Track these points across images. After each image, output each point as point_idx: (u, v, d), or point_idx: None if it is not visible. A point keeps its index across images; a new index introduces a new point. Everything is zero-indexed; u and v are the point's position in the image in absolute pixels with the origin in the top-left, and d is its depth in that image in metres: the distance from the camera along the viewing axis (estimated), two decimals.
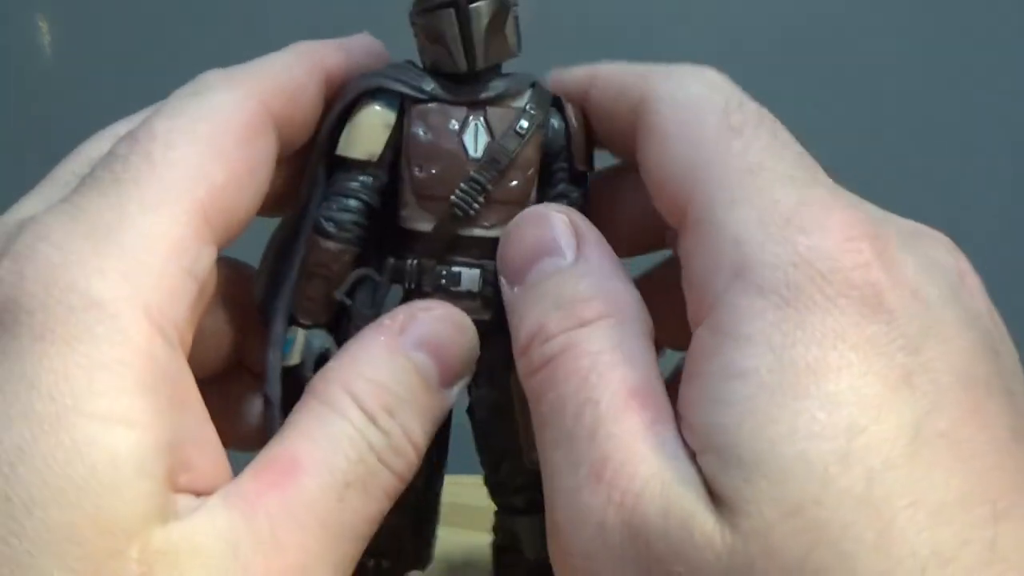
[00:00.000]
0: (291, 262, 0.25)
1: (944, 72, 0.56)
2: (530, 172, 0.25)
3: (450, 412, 0.25)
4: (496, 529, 0.28)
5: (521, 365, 0.23)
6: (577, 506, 0.20)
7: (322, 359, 0.25)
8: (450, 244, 0.25)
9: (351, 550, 0.21)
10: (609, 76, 0.25)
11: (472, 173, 0.24)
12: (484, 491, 0.28)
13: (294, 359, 0.25)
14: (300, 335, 0.25)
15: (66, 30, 0.60)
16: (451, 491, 0.28)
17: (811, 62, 0.55)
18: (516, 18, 0.25)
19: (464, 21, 0.24)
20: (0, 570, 0.17)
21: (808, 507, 0.17)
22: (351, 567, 0.22)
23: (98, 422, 0.18)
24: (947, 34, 0.56)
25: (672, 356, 0.25)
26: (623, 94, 0.24)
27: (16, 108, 0.60)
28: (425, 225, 0.25)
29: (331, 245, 0.25)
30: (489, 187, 0.24)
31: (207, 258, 0.21)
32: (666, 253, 0.28)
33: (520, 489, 0.26)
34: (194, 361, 0.21)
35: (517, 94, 0.25)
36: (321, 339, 0.25)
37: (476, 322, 0.25)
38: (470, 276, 0.25)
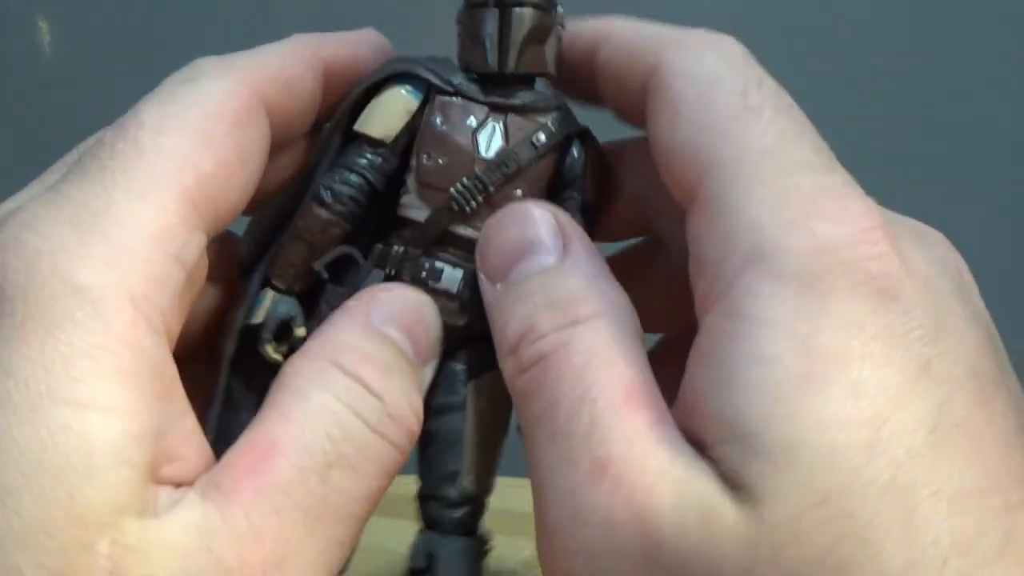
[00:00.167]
0: (284, 226, 0.25)
1: (944, 72, 0.56)
2: (539, 187, 0.25)
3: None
4: (414, 549, 0.25)
5: (509, 364, 0.22)
6: (577, 505, 0.19)
7: (284, 326, 0.24)
8: (439, 238, 0.25)
9: (340, 533, 0.20)
10: (621, 37, 0.24)
11: (478, 171, 0.24)
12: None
13: (257, 318, 0.24)
14: (269, 296, 0.25)
15: (66, 30, 0.60)
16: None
17: (810, 62, 0.55)
18: (559, 40, 0.25)
19: (505, 23, 0.24)
20: None
21: (835, 497, 0.17)
22: (345, 550, 0.21)
23: (74, 409, 0.18)
24: (947, 34, 0.56)
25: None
26: (635, 58, 0.23)
27: (16, 108, 0.60)
28: (420, 214, 0.25)
29: (323, 213, 0.25)
30: (491, 189, 0.24)
31: (195, 246, 0.21)
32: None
33: (454, 505, 0.25)
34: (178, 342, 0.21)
35: (543, 110, 0.25)
36: (288, 306, 0.25)
37: (447, 327, 0.24)
38: (452, 275, 0.25)
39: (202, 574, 0.18)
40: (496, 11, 0.24)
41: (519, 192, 0.24)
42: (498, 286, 0.23)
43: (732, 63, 0.22)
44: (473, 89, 0.25)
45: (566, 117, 0.25)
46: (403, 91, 0.25)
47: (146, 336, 0.19)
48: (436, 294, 0.24)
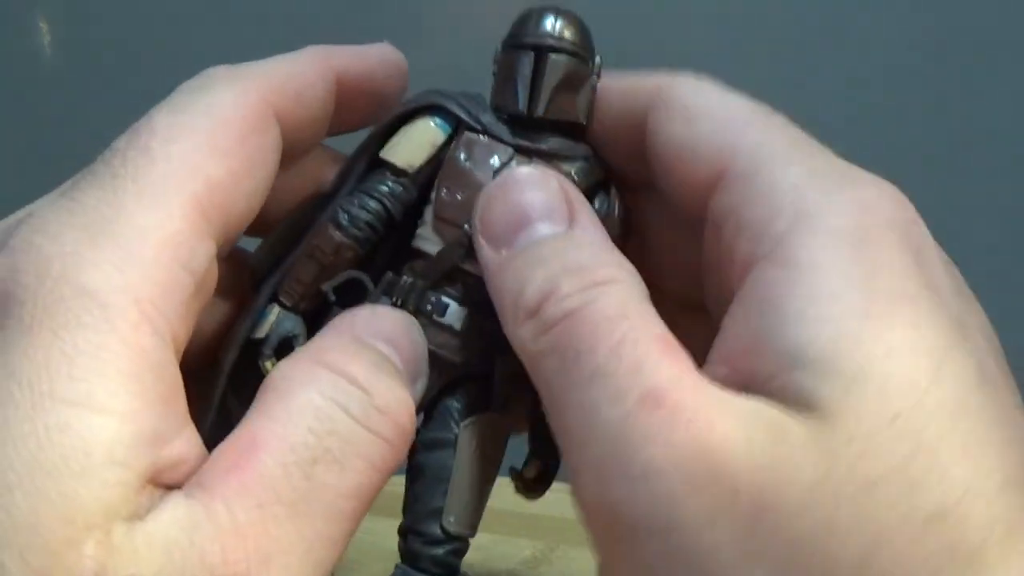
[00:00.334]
0: (299, 242, 0.25)
1: (943, 72, 0.56)
2: None
3: None
4: None
5: (527, 329, 0.21)
6: (629, 434, 0.19)
7: (286, 343, 0.24)
8: (449, 274, 0.25)
9: (329, 530, 0.20)
10: (611, 83, 0.25)
11: None
12: None
13: (260, 332, 0.25)
14: (274, 312, 0.25)
15: (66, 30, 0.60)
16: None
17: (807, 63, 0.55)
18: (594, 90, 0.25)
19: (539, 67, 0.24)
20: None
21: (907, 416, 0.18)
22: (337, 548, 0.20)
23: (73, 408, 0.18)
24: (946, 34, 0.56)
25: None
26: (632, 91, 0.25)
27: (16, 108, 0.60)
28: (432, 247, 0.25)
29: (337, 235, 0.25)
30: None
31: (204, 253, 0.21)
32: None
33: (435, 543, 0.25)
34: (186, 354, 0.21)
35: (569, 158, 0.25)
36: (293, 323, 0.25)
37: (446, 362, 0.24)
38: (456, 312, 0.25)
39: (186, 570, 0.18)
40: (532, 54, 0.24)
41: None
42: (504, 251, 0.23)
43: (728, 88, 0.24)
44: (501, 130, 0.25)
45: (592, 167, 0.25)
46: (432, 123, 0.25)
47: (150, 340, 0.19)
48: (439, 328, 0.24)
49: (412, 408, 0.22)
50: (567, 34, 0.24)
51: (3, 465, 0.17)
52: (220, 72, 0.23)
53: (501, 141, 0.25)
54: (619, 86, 0.25)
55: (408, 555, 0.25)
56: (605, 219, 0.25)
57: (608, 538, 0.20)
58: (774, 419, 0.19)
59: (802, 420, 0.18)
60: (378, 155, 0.25)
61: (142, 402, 0.19)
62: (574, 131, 0.25)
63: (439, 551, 0.24)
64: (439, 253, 0.25)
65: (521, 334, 0.22)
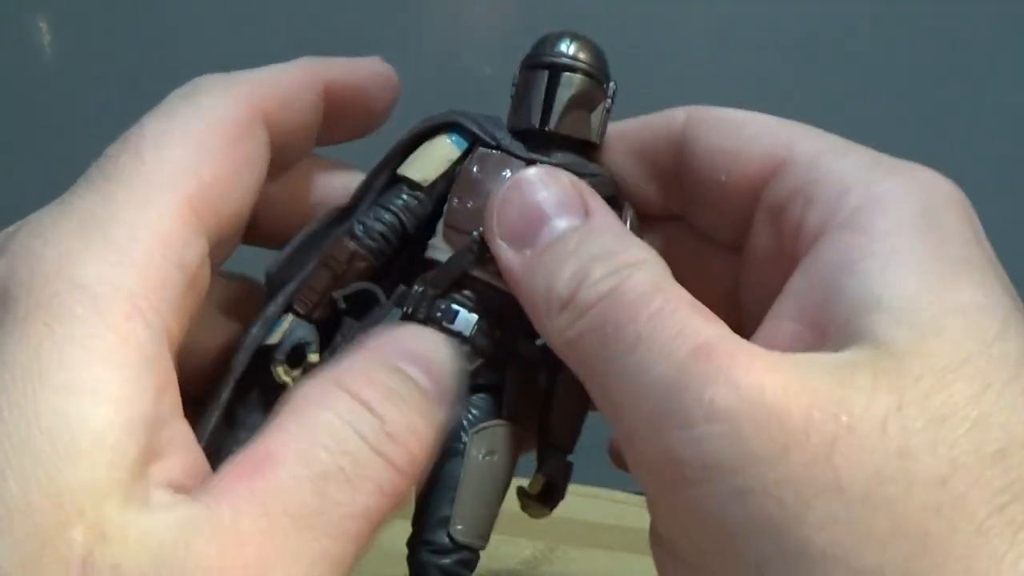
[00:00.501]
0: (314, 254, 0.26)
1: (942, 73, 0.56)
2: None
3: None
4: None
5: (561, 320, 0.22)
6: (687, 380, 0.20)
7: (299, 350, 0.25)
8: (458, 281, 0.25)
9: (333, 550, 0.20)
10: (635, 123, 0.27)
11: None
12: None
13: (274, 339, 0.25)
14: (288, 319, 0.25)
15: (66, 30, 0.60)
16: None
17: (807, 65, 0.55)
18: (607, 111, 0.26)
19: (552, 83, 0.25)
20: None
21: (976, 359, 0.19)
22: (340, 570, 0.20)
23: (63, 394, 0.18)
24: (946, 35, 0.56)
25: None
26: (647, 126, 0.27)
27: (16, 108, 0.60)
28: (443, 256, 0.25)
29: (351, 245, 0.25)
30: None
31: (196, 251, 0.22)
32: None
33: (442, 552, 0.24)
34: (197, 375, 0.21)
35: (579, 174, 0.25)
36: (305, 331, 0.25)
37: None
38: (466, 319, 0.25)
39: (175, 569, 0.18)
40: (547, 72, 0.25)
41: None
42: (527, 251, 0.23)
43: None
44: (515, 146, 0.26)
45: (603, 182, 0.26)
46: (448, 140, 0.26)
47: (143, 331, 0.20)
48: (448, 335, 0.24)
49: (426, 436, 0.22)
50: (582, 55, 0.25)
51: None
52: (210, 80, 0.24)
53: (514, 155, 0.25)
54: (632, 126, 0.27)
55: (417, 566, 0.24)
56: None
57: (672, 490, 0.20)
58: (838, 362, 0.20)
59: (871, 360, 0.19)
60: (396, 172, 0.26)
61: (133, 389, 0.19)
62: (586, 150, 0.26)
63: (446, 560, 0.24)
64: (448, 260, 0.25)
65: (556, 324, 0.22)
